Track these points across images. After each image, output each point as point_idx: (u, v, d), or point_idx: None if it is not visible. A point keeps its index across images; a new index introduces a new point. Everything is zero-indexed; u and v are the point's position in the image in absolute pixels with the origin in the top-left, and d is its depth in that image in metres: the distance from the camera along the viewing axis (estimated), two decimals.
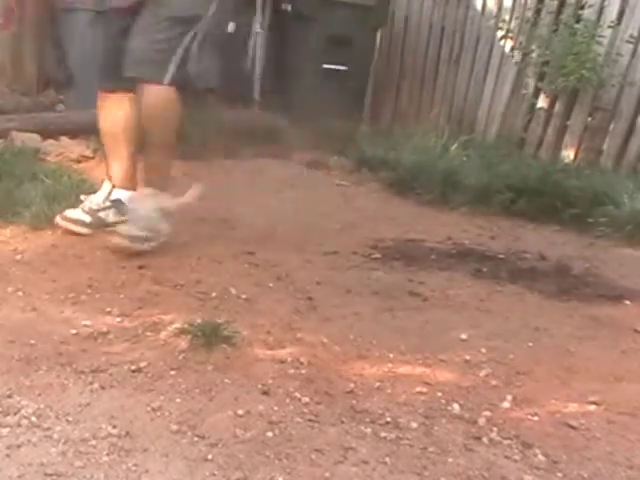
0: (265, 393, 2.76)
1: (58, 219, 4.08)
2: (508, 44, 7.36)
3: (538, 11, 7.19)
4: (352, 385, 2.88)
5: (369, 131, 7.27)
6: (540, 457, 2.57)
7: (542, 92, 7.14)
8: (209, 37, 3.87)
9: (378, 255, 4.38)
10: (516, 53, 7.28)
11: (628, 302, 4.03)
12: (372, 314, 3.57)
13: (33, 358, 2.84)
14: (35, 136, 5.24)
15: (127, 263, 3.79)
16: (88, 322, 3.15)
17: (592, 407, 2.91)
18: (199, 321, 3.13)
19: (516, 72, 7.31)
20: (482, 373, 3.10)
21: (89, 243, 4.00)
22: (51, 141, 5.32)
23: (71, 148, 5.29)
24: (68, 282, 3.52)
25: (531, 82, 7.22)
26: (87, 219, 4.11)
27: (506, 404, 2.87)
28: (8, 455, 2.29)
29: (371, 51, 7.81)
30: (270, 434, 2.52)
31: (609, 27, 6.72)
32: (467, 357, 3.22)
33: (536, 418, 2.80)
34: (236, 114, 6.55)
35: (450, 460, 2.50)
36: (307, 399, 2.75)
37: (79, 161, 5.19)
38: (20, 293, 3.38)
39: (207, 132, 6.04)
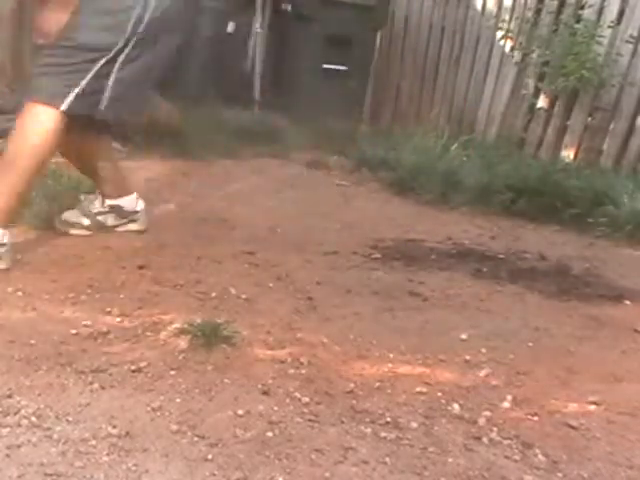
0: (265, 393, 2.76)
1: (57, 222, 4.08)
2: (508, 44, 7.37)
3: (538, 11, 7.20)
4: (352, 385, 2.88)
5: (369, 131, 7.28)
6: (540, 457, 2.57)
7: (542, 92, 7.15)
8: (132, 67, 3.71)
9: (378, 255, 4.38)
10: (516, 53, 7.29)
11: (628, 302, 4.03)
12: (372, 314, 3.58)
13: (33, 358, 2.84)
14: None
15: (127, 263, 3.79)
16: (88, 322, 3.15)
17: (592, 407, 2.91)
18: (199, 321, 3.13)
19: (516, 72, 7.32)
20: (482, 373, 3.10)
21: (89, 243, 4.00)
22: None
23: None
24: (68, 282, 3.52)
25: (531, 82, 7.23)
26: (85, 222, 4.11)
27: (506, 404, 2.87)
28: (8, 455, 2.29)
29: (371, 51, 7.82)
30: (270, 434, 2.52)
31: (609, 27, 6.73)
32: (467, 357, 3.22)
33: (536, 418, 2.80)
34: (236, 114, 6.55)
35: (450, 460, 2.50)
36: (307, 399, 2.75)
37: None
38: (20, 293, 3.38)
39: (207, 132, 6.04)
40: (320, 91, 7.25)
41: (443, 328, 3.50)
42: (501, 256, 4.61)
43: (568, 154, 6.90)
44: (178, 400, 2.66)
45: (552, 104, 7.09)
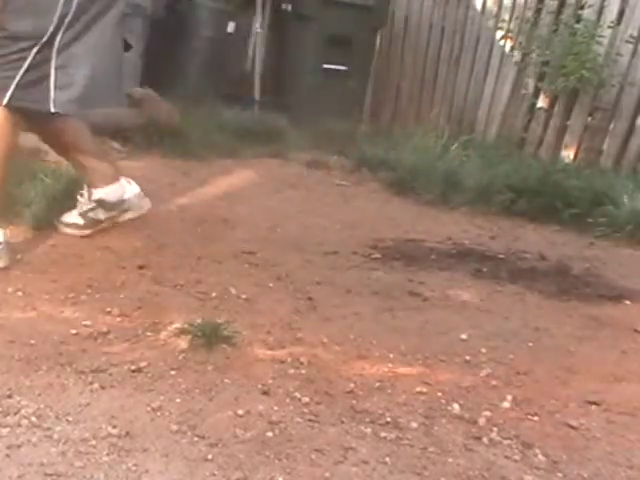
0: (265, 393, 2.76)
1: (56, 224, 4.07)
2: (508, 44, 7.37)
3: (538, 11, 7.20)
4: (352, 385, 2.88)
5: (369, 131, 7.27)
6: (540, 457, 2.57)
7: (542, 92, 7.14)
8: (73, 50, 3.58)
9: (378, 255, 4.38)
10: (516, 53, 7.29)
11: (628, 302, 4.03)
12: (372, 314, 3.58)
13: (33, 358, 2.84)
14: (35, 136, 5.23)
15: (127, 263, 3.79)
16: (88, 322, 3.15)
17: (592, 407, 2.92)
18: (199, 321, 3.13)
19: (516, 72, 7.31)
20: (482, 373, 3.10)
21: (89, 243, 4.00)
22: None
23: None
24: (68, 282, 3.52)
25: (531, 82, 7.23)
26: (80, 221, 4.09)
27: (506, 404, 2.87)
28: (8, 455, 2.29)
29: (371, 51, 7.81)
30: (270, 434, 2.52)
31: (609, 27, 6.72)
32: (467, 357, 3.22)
33: (536, 418, 2.80)
34: (236, 114, 6.55)
35: (450, 460, 2.50)
36: (307, 399, 2.75)
37: None
38: (20, 293, 3.38)
39: (207, 132, 6.04)
40: (320, 91, 7.25)
41: (443, 328, 3.50)
42: (501, 256, 4.61)
43: (568, 154, 6.90)
44: (178, 400, 2.66)
45: (552, 104, 7.09)
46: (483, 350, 3.29)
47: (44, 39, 3.46)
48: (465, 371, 3.11)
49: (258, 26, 7.19)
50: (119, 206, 4.14)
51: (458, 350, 3.27)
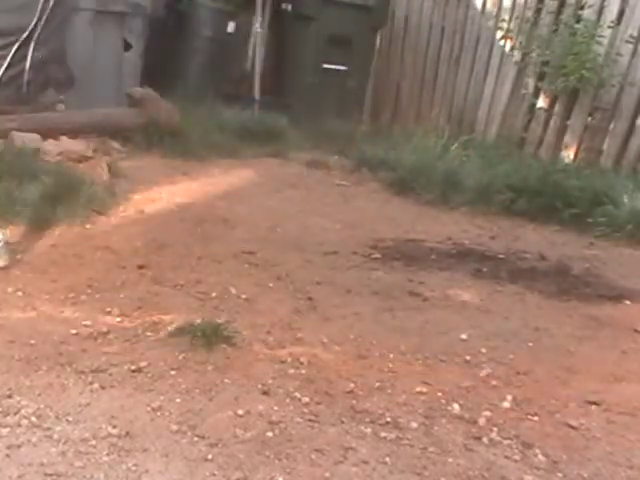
0: (265, 393, 2.76)
1: None
2: (508, 44, 7.36)
3: (538, 11, 7.19)
4: (352, 385, 2.88)
5: (369, 131, 7.27)
6: (540, 457, 2.57)
7: (542, 92, 7.14)
8: (49, 47, 3.57)
9: (378, 255, 4.38)
10: (516, 53, 7.28)
11: (628, 302, 4.03)
12: (372, 314, 3.58)
13: (33, 358, 2.84)
14: (35, 136, 5.23)
15: (127, 263, 3.80)
16: (88, 322, 3.15)
17: (592, 407, 2.92)
18: (199, 321, 3.13)
19: (516, 72, 7.31)
20: (482, 373, 3.10)
21: (89, 243, 4.00)
22: (51, 141, 5.31)
23: (71, 148, 5.28)
24: (68, 282, 3.52)
25: (531, 82, 7.22)
26: None
27: (506, 404, 2.88)
28: (8, 455, 2.29)
29: (371, 51, 7.81)
30: (270, 434, 2.52)
31: (609, 27, 6.72)
32: (467, 357, 3.22)
33: (536, 418, 2.80)
34: (236, 114, 6.55)
35: (450, 460, 2.50)
36: (307, 399, 2.75)
37: (79, 161, 5.19)
38: (20, 293, 3.38)
39: (207, 132, 6.04)
40: (320, 91, 7.25)
41: (443, 328, 3.50)
42: (501, 256, 4.61)
43: (568, 154, 6.90)
44: (178, 400, 2.66)
45: (552, 104, 7.09)
46: (483, 350, 3.29)
47: (24, 35, 3.46)
48: (465, 371, 3.11)
49: (258, 26, 7.18)
50: None
51: (458, 350, 3.27)
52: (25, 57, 3.50)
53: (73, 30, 6.35)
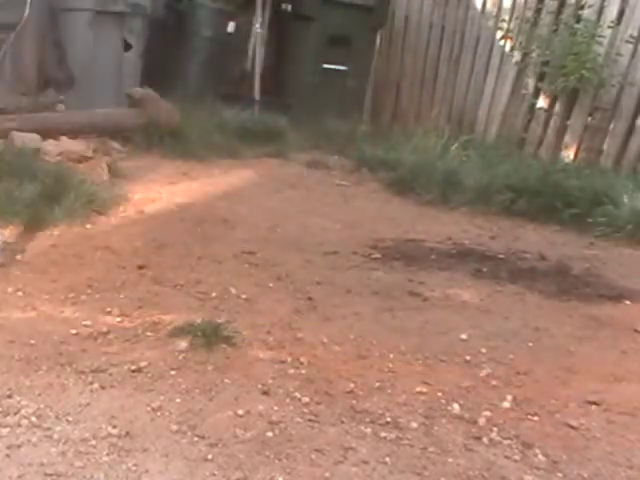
0: (265, 393, 2.76)
1: None
2: (508, 44, 7.36)
3: (538, 11, 7.19)
4: (352, 385, 2.88)
5: (369, 131, 7.27)
6: (540, 457, 2.57)
7: (542, 92, 7.14)
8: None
9: (378, 255, 4.38)
10: (516, 53, 7.28)
11: (628, 302, 4.03)
12: (372, 314, 3.58)
13: (33, 358, 2.84)
14: (35, 136, 5.24)
15: (127, 263, 3.80)
16: (88, 322, 3.15)
17: (592, 407, 2.92)
18: (199, 321, 3.13)
19: (516, 72, 7.31)
20: (482, 373, 3.10)
21: (89, 243, 4.00)
22: (51, 141, 5.32)
23: (71, 148, 5.29)
24: (68, 282, 3.52)
25: (531, 82, 7.22)
26: None
27: (506, 404, 2.87)
28: (8, 455, 2.29)
29: (371, 51, 7.81)
30: (270, 434, 2.52)
31: (609, 27, 6.72)
32: (467, 357, 3.22)
33: (536, 418, 2.80)
34: (236, 114, 6.55)
35: (450, 460, 2.50)
36: (307, 399, 2.75)
37: (79, 161, 5.19)
38: (20, 293, 3.38)
39: (207, 132, 6.04)
40: (320, 91, 7.25)
41: (443, 328, 3.50)
42: (501, 256, 4.61)
43: (568, 154, 6.89)
44: (178, 400, 2.66)
45: (552, 104, 7.09)
46: (483, 350, 3.29)
47: (17, 29, 3.49)
48: (465, 371, 3.11)
49: (258, 26, 7.18)
50: None
51: (458, 350, 3.27)
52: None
53: (73, 30, 6.36)
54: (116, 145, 5.68)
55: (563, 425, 2.77)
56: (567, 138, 6.98)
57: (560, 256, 4.68)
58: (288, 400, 2.73)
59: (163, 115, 5.89)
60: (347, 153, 6.43)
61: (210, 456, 2.38)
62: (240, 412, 2.61)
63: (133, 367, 2.83)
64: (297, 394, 2.77)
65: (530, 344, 3.42)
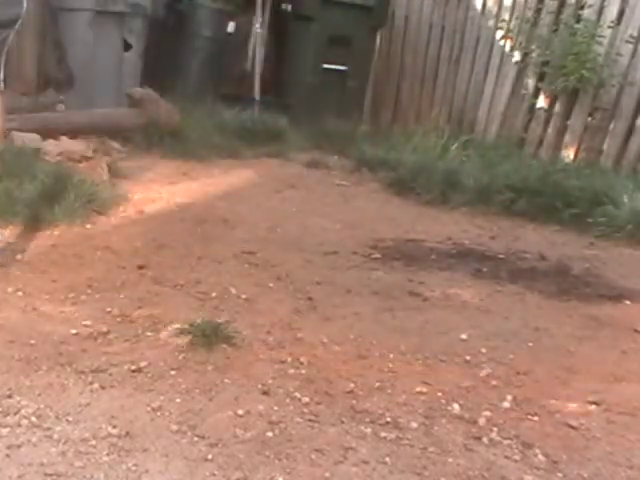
0: (265, 393, 2.76)
1: None
2: (508, 44, 7.36)
3: (538, 11, 7.19)
4: (352, 385, 2.88)
5: (369, 131, 7.27)
6: (540, 457, 2.57)
7: (542, 92, 7.14)
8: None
9: (378, 255, 4.38)
10: (516, 53, 7.29)
11: (628, 302, 4.03)
12: (372, 314, 3.58)
13: (33, 358, 2.84)
14: (35, 136, 5.24)
15: (127, 263, 3.80)
16: (88, 322, 3.15)
17: (592, 407, 2.92)
18: (199, 321, 3.13)
19: (516, 72, 7.31)
20: (482, 373, 3.10)
21: (89, 243, 4.00)
22: (51, 141, 5.32)
23: (71, 148, 5.29)
24: (68, 282, 3.52)
25: (531, 82, 7.23)
26: None
27: (506, 404, 2.87)
28: (8, 455, 2.29)
29: (371, 51, 7.81)
30: (270, 434, 2.52)
31: (609, 27, 6.72)
32: (467, 357, 3.22)
33: (536, 418, 2.80)
34: (236, 114, 6.55)
35: (450, 460, 2.50)
36: (307, 399, 2.75)
37: (79, 161, 5.19)
38: (20, 293, 3.38)
39: (207, 132, 6.04)
40: (320, 91, 7.25)
41: (443, 328, 3.50)
42: (501, 256, 4.61)
43: (568, 154, 6.90)
44: (178, 400, 2.66)
45: (552, 104, 7.09)
46: (483, 350, 3.29)
47: (16, 27, 3.54)
48: (465, 371, 3.11)
49: (258, 26, 7.18)
50: None
51: (458, 350, 3.27)
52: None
53: (73, 30, 6.36)
54: (116, 145, 5.68)
55: (563, 425, 2.77)
56: (567, 138, 6.99)
57: (560, 256, 4.68)
58: (288, 400, 2.73)
59: (163, 115, 5.89)
60: (347, 153, 6.43)
61: (210, 456, 2.38)
62: (240, 412, 2.61)
63: (133, 367, 2.83)
64: (297, 394, 2.77)
65: (530, 344, 3.42)
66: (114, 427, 2.46)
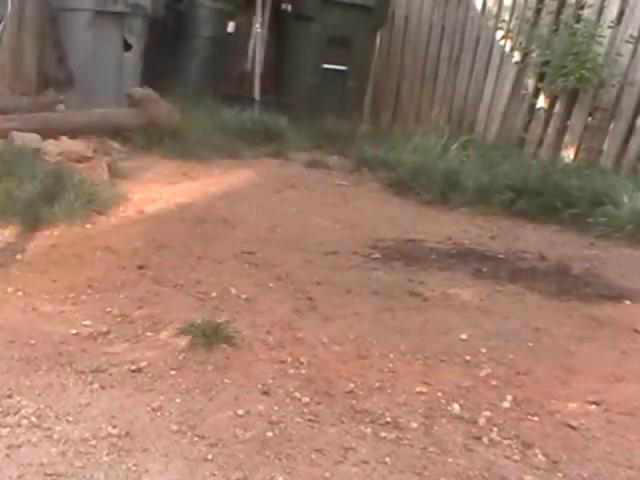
0: (265, 393, 2.76)
1: None
2: (508, 44, 7.36)
3: (538, 11, 7.19)
4: (352, 385, 2.88)
5: (369, 131, 7.27)
6: (540, 457, 2.57)
7: (542, 92, 7.14)
8: None
9: (378, 255, 4.38)
10: (516, 53, 7.29)
11: (628, 302, 4.03)
12: (372, 314, 3.57)
13: (33, 358, 2.84)
14: (35, 136, 5.24)
15: (127, 263, 3.80)
16: (88, 322, 3.15)
17: (592, 407, 2.92)
18: (199, 321, 3.13)
19: (516, 72, 7.31)
20: (482, 373, 3.10)
21: (89, 243, 4.00)
22: (51, 141, 5.32)
23: (71, 148, 5.29)
24: (68, 282, 3.52)
25: (531, 82, 7.23)
26: None
27: (506, 404, 2.87)
28: (8, 455, 2.29)
29: (371, 51, 7.81)
30: (270, 434, 2.52)
31: (609, 27, 6.72)
32: (467, 357, 3.22)
33: (536, 418, 2.80)
34: (236, 114, 6.55)
35: (450, 460, 2.50)
36: (307, 399, 2.75)
37: (79, 161, 5.19)
38: (20, 293, 3.38)
39: (207, 132, 6.04)
40: (320, 91, 7.25)
41: (443, 328, 3.50)
42: (501, 256, 4.61)
43: (568, 154, 6.90)
44: (178, 400, 2.66)
45: (552, 104, 7.09)
46: (483, 350, 3.29)
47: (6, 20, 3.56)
48: (465, 371, 3.11)
49: (258, 26, 7.18)
50: None
51: (458, 350, 3.27)
52: None
53: (73, 30, 6.37)
54: (116, 145, 5.68)
55: (563, 425, 2.77)
56: (567, 138, 6.99)
57: (560, 256, 4.68)
58: (288, 400, 2.73)
59: (163, 115, 5.89)
60: (347, 153, 6.44)
61: (210, 456, 2.38)
62: (240, 412, 2.61)
63: (133, 367, 2.83)
64: (297, 394, 2.77)
65: (530, 344, 3.42)
66: (114, 427, 2.46)
